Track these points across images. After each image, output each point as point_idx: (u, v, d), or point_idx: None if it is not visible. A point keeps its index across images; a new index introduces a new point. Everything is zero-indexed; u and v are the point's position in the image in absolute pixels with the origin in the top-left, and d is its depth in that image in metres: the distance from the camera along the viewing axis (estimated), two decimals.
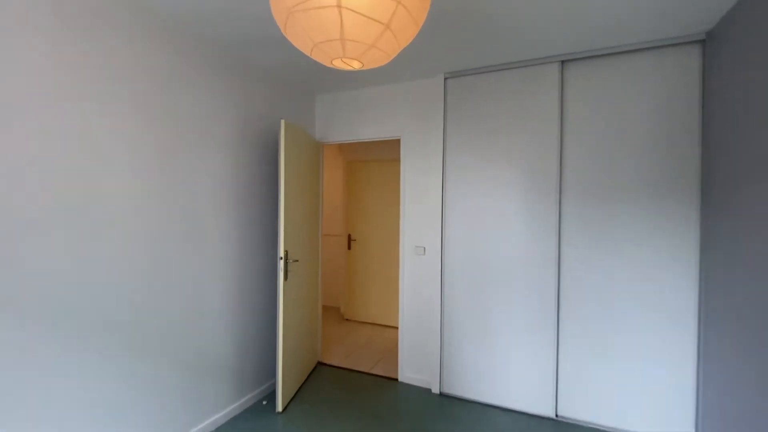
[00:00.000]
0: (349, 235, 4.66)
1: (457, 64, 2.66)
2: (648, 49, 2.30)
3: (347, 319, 4.68)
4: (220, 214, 2.39)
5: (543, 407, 2.52)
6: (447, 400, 2.75)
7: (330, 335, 4.10)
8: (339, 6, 0.88)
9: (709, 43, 2.15)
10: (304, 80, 3.02)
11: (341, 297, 4.76)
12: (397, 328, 4.37)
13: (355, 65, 1.07)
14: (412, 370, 3.00)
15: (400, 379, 3.03)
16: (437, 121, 2.83)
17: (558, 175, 2.49)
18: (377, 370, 3.21)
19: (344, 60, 1.05)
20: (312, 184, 3.11)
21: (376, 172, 4.51)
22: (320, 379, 3.03)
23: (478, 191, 2.71)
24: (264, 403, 2.67)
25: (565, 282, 2.48)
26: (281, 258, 2.49)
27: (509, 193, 2.62)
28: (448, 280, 2.80)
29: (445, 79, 2.82)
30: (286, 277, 2.54)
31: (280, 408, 2.50)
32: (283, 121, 2.50)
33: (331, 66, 1.10)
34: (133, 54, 1.87)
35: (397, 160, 4.42)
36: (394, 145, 4.43)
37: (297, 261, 2.63)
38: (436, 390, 2.84)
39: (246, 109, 2.60)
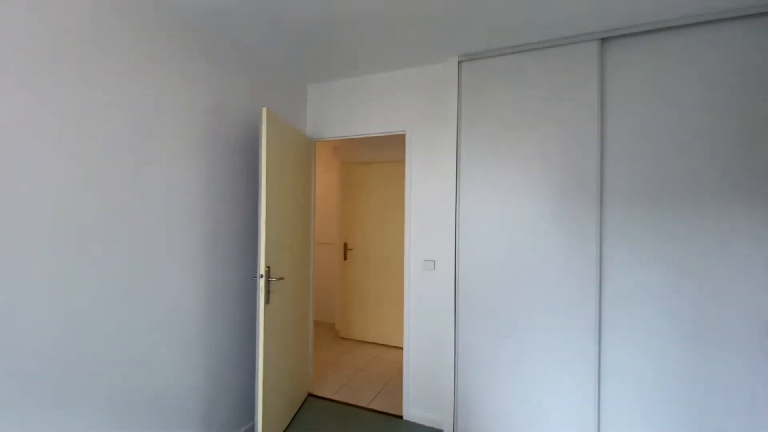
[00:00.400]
0: (345, 244, 4.21)
1: (473, 44, 2.23)
2: (711, 22, 1.89)
3: (343, 338, 4.22)
4: (187, 223, 1.93)
5: None
6: None
7: (323, 358, 3.63)
8: None
9: None
10: (294, 66, 2.58)
11: (336, 312, 4.29)
12: (400, 348, 3.91)
13: None
14: (419, 407, 2.53)
15: (404, 416, 2.57)
16: (450, 113, 2.40)
17: (598, 176, 2.06)
18: (378, 405, 2.74)
19: None
20: (302, 188, 2.66)
21: (375, 175, 4.07)
22: (311, 417, 2.56)
23: (499, 195, 2.28)
24: None
25: (608, 303, 2.04)
26: (261, 276, 2.04)
27: (538, 197, 2.19)
28: (464, 300, 2.35)
29: (459, 62, 2.40)
30: (267, 300, 2.08)
31: None
32: (264, 110, 2.06)
33: None
34: (80, 27, 1.43)
35: (400, 161, 3.99)
36: (396, 144, 4.00)
37: (282, 279, 2.18)
38: None
39: (222, 98, 2.15)
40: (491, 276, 2.28)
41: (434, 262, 2.49)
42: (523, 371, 2.20)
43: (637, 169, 2.00)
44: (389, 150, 4.05)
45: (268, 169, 2.09)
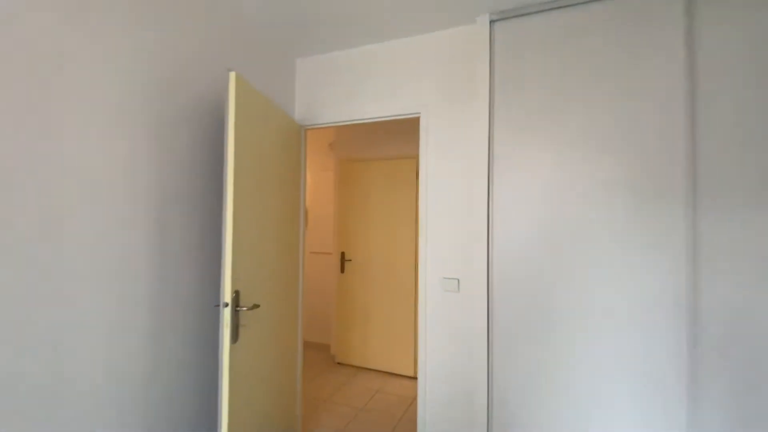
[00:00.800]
0: (343, 254, 3.64)
1: None
2: None
3: (339, 363, 3.63)
4: (117, 229, 1.36)
5: None
6: None
7: (315, 392, 3.04)
8: None
9: None
10: (280, 32, 2.03)
11: (332, 333, 3.71)
12: (408, 377, 3.32)
13: None
14: None
15: None
16: (480, 88, 1.85)
17: (687, 168, 1.51)
18: None
19: None
20: (289, 187, 2.10)
21: (378, 174, 3.51)
22: None
23: (548, 195, 1.72)
24: None
25: (705, 345, 1.48)
26: (226, 305, 1.46)
27: (601, 198, 1.63)
28: (500, 333, 1.78)
29: (492, 22, 1.85)
30: (235, 337, 1.50)
31: None
32: (232, 75, 1.50)
33: None
34: None
35: (408, 157, 3.43)
36: (405, 134, 3.45)
37: (258, 306, 1.60)
38: None
39: (179, 63, 1.60)
40: (540, 302, 1.71)
41: (458, 281, 1.93)
42: None
43: (749, 158, 1.45)
44: (396, 143, 3.49)
45: (238, 158, 1.52)
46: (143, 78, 1.45)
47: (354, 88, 2.22)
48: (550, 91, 1.73)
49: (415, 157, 3.36)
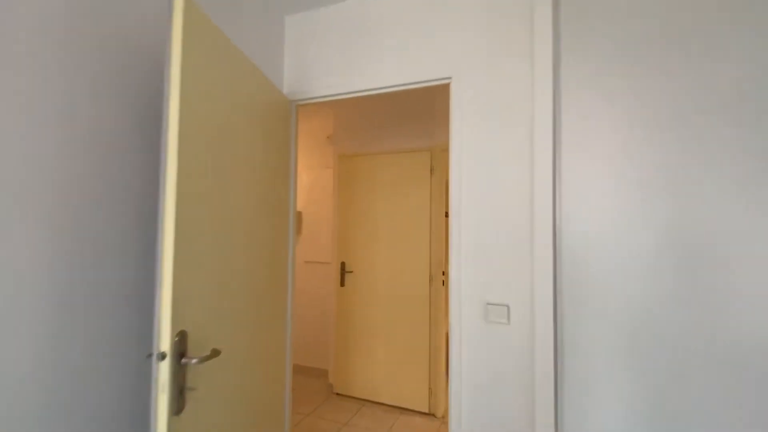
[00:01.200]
0: (343, 265, 3.09)
1: None
2: None
3: (339, 394, 3.06)
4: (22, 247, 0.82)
5: None
6: None
7: (308, 430, 2.48)
8: None
9: None
10: None
11: (330, 357, 3.15)
12: (423, 413, 2.76)
13: None
14: None
15: None
16: (538, 38, 1.32)
17: None
18: None
19: None
20: (274, 178, 1.56)
21: (385, 170, 2.98)
22: None
23: (653, 191, 1.19)
24: None
25: None
26: (163, 356, 0.91)
27: (740, 193, 1.10)
28: (574, 389, 1.24)
29: None
30: (178, 408, 0.95)
31: None
32: None
33: None
34: None
35: (421, 150, 2.89)
36: (419, 120, 2.92)
37: (218, 354, 1.05)
38: None
39: (109, 18, 1.07)
40: (638, 340, 1.17)
41: (508, 308, 1.38)
42: None
43: None
44: (407, 132, 2.96)
45: (185, 126, 0.98)
46: (61, 37, 0.91)
47: (359, 51, 1.69)
48: (651, 30, 1.20)
49: (430, 150, 2.84)
